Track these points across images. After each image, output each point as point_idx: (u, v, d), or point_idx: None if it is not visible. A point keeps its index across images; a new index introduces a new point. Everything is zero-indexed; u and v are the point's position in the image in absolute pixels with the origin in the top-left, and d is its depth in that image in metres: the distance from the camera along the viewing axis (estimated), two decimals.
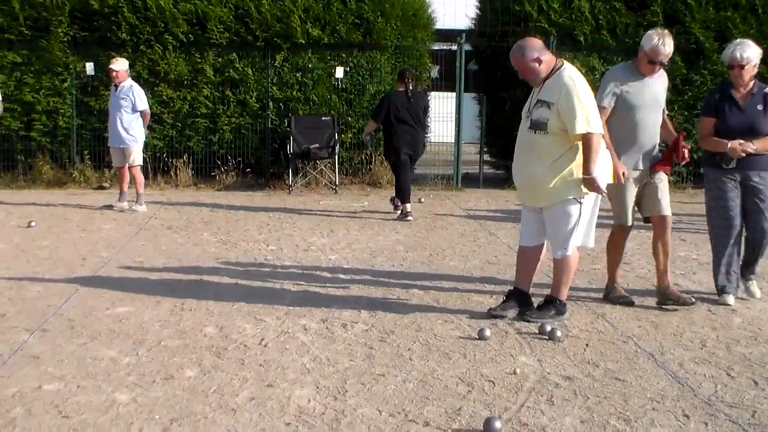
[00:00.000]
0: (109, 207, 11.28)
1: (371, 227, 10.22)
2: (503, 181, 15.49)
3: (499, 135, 16.04)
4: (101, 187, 13.60)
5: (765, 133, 6.46)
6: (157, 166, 14.07)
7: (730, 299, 6.60)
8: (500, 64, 15.16)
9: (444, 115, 15.36)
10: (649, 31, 6.39)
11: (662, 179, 6.49)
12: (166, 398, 4.35)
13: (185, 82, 14.14)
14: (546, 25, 14.40)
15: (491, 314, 6.10)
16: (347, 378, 4.73)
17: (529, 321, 5.96)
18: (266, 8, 13.99)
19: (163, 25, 13.88)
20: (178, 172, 14.05)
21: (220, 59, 14.20)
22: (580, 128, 5.69)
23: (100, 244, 8.75)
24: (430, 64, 15.23)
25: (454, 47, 14.94)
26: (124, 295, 6.57)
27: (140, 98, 11.24)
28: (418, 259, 8.25)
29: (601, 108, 6.09)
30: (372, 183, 14.34)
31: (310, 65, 14.33)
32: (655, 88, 6.43)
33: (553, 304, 6.08)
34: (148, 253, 8.35)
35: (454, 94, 14.97)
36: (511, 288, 6.32)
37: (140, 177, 11.43)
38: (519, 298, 6.18)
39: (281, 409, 4.25)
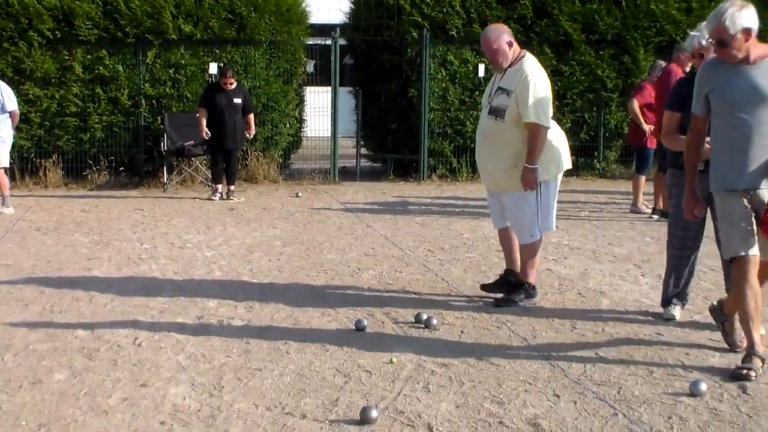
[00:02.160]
0: None
1: (248, 223, 10.14)
2: (380, 173, 15.63)
3: (375, 128, 16.17)
4: None
5: None
6: (25, 166, 13.61)
7: (677, 312, 5.89)
8: (375, 58, 15.30)
9: (320, 110, 15.38)
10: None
11: None
12: (34, 403, 4.21)
13: (53, 80, 13.70)
14: (419, 19, 14.54)
15: (484, 290, 6.42)
16: (223, 374, 4.68)
17: (499, 305, 6.16)
18: (136, 4, 13.66)
19: (27, 21, 13.40)
20: (47, 172, 13.61)
21: (89, 56, 13.80)
22: (530, 116, 5.85)
23: None
24: (305, 59, 15.20)
25: (329, 42, 14.92)
26: None
27: (9, 98, 10.85)
28: (295, 254, 8.22)
29: (693, 116, 4.90)
30: (248, 179, 14.21)
31: (182, 61, 14.11)
32: (758, 77, 4.65)
33: (522, 287, 6.26)
34: (15, 255, 8.07)
35: (329, 88, 14.96)
36: (503, 271, 6.54)
37: (5, 179, 11.00)
38: (509, 279, 6.41)
39: (155, 408, 4.17)
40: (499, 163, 6.06)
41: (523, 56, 6.05)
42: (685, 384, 4.47)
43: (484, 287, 6.50)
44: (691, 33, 5.75)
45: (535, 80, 5.90)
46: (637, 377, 4.63)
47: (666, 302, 5.94)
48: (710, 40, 4.90)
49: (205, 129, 12.13)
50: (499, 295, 6.31)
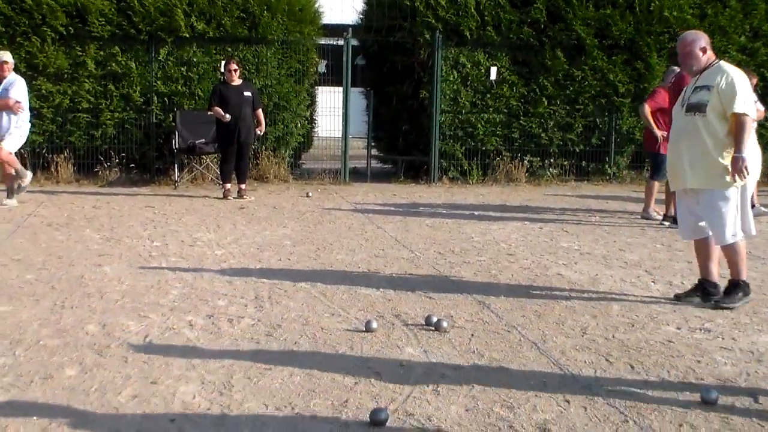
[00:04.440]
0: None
1: (258, 222, 10.14)
2: (391, 175, 15.64)
3: (386, 129, 16.18)
4: None
5: None
6: (37, 161, 13.68)
7: None
8: (387, 59, 15.32)
9: (331, 110, 15.40)
10: None
11: None
12: (45, 399, 4.22)
13: (65, 76, 13.77)
14: (432, 20, 14.56)
15: (677, 298, 6.53)
16: (233, 373, 4.68)
17: (722, 307, 6.26)
18: (149, 1, 13.72)
19: (40, 17, 13.48)
20: (58, 167, 13.69)
21: (101, 52, 13.88)
22: (738, 107, 6.03)
23: None
24: (317, 59, 15.22)
25: (341, 42, 14.93)
26: (1, 294, 6.34)
27: (19, 91, 10.87)
28: (305, 253, 8.22)
29: None
30: (259, 177, 14.24)
31: (195, 59, 14.14)
32: None
33: (738, 286, 6.37)
34: (26, 250, 8.09)
35: (341, 88, 14.97)
36: (697, 280, 6.62)
37: (15, 161, 11.08)
38: (702, 287, 6.50)
39: (165, 405, 4.17)
40: (700, 160, 6.18)
41: (718, 61, 6.30)
42: (696, 392, 4.45)
43: (677, 297, 6.58)
44: None
45: (736, 75, 6.13)
46: (648, 384, 4.62)
47: None
48: None
49: (222, 114, 12.02)
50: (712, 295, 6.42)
